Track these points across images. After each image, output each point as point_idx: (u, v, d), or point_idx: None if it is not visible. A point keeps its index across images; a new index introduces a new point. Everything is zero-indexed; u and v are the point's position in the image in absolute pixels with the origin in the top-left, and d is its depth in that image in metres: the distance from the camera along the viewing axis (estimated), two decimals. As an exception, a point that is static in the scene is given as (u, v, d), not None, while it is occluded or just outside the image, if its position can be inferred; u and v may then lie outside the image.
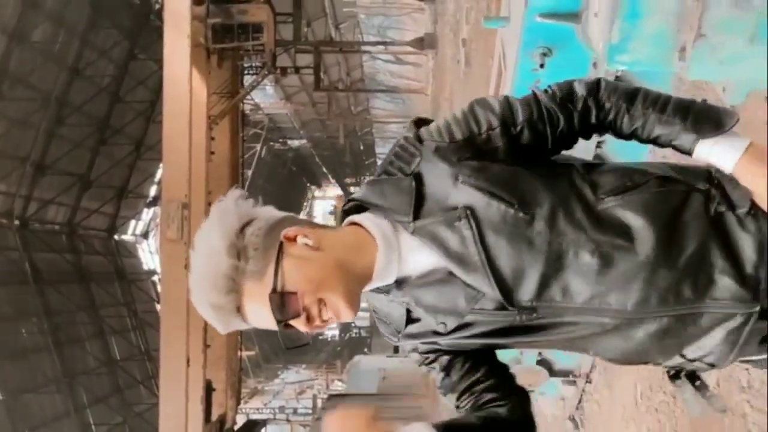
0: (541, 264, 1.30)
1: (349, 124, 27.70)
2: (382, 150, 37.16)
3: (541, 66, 2.91)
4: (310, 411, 22.66)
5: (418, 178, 1.35)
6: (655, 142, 1.35)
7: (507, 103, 1.37)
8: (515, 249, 1.30)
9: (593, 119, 1.36)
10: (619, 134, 1.38)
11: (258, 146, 25.26)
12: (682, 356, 1.38)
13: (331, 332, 37.40)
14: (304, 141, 30.01)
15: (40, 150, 15.80)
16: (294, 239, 1.37)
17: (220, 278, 1.30)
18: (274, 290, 1.32)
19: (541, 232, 1.30)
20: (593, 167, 1.40)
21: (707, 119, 1.30)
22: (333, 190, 39.77)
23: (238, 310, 1.33)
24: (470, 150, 1.35)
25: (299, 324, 1.34)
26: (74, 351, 17.11)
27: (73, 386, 16.43)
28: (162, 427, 14.44)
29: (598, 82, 1.36)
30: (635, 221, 1.30)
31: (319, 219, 43.61)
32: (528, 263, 1.30)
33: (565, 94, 1.36)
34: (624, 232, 1.30)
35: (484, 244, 1.31)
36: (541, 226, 1.30)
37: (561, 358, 4.98)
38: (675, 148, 1.34)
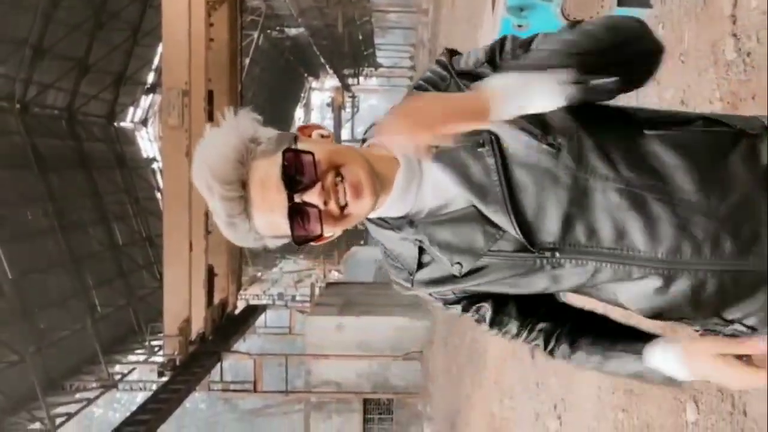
0: (566, 201, 1.23)
1: (348, 12, 27.42)
2: (381, 40, 36.82)
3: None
4: (308, 299, 23.63)
5: None
6: None
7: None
8: (538, 184, 1.23)
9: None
10: None
11: (255, 34, 25.09)
12: (720, 317, 1.32)
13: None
14: (301, 29, 29.71)
15: (38, 33, 15.81)
16: (309, 134, 1.34)
17: (229, 151, 1.22)
18: (288, 149, 1.24)
19: (567, 166, 1.22)
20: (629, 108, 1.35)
21: None
22: (331, 82, 39.56)
23: (244, 186, 1.22)
24: (491, 71, 1.29)
25: (313, 196, 1.23)
26: (78, 235, 17.70)
27: (79, 269, 17.10)
28: (166, 309, 15.27)
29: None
30: (673, 159, 1.23)
31: (316, 111, 43.62)
32: (551, 200, 1.23)
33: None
34: (659, 171, 1.23)
35: (507, 175, 1.23)
36: (568, 159, 1.22)
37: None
38: None
